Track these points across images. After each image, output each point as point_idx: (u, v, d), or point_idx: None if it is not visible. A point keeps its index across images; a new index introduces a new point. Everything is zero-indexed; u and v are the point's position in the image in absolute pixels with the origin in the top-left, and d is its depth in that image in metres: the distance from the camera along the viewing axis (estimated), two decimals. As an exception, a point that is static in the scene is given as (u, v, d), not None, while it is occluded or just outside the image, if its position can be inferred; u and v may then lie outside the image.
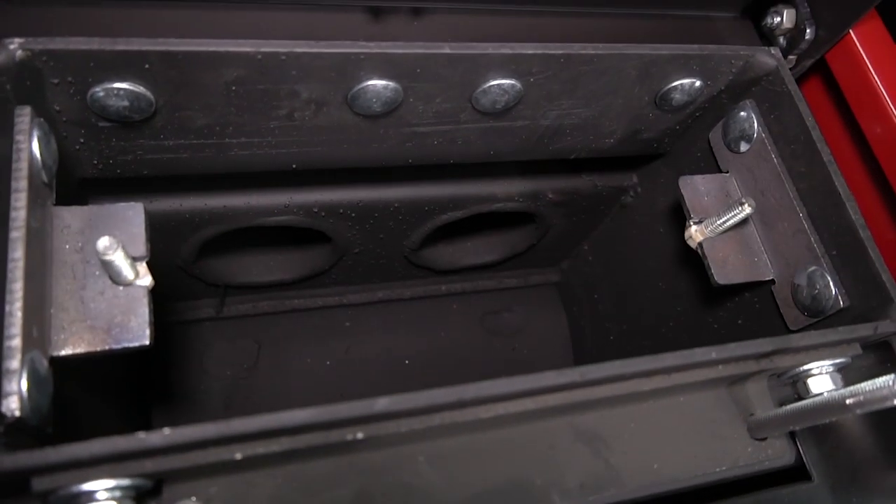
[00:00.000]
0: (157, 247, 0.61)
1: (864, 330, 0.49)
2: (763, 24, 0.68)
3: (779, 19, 0.66)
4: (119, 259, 0.44)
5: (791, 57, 0.67)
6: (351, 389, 0.93)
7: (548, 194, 0.82)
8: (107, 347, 0.44)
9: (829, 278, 0.56)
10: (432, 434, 0.42)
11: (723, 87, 0.64)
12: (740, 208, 0.58)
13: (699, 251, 0.62)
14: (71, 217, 0.47)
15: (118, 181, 0.58)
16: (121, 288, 0.46)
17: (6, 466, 0.33)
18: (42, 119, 0.46)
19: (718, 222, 0.60)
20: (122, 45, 0.45)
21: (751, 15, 0.69)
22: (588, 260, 0.98)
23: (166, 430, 0.34)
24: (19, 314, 0.39)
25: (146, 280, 0.47)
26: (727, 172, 0.66)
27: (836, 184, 0.55)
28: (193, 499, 0.39)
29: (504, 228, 0.93)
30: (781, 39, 0.66)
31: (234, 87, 0.50)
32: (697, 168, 0.72)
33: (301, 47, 0.48)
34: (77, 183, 0.57)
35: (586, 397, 0.43)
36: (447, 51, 0.51)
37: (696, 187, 0.64)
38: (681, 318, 0.79)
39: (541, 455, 0.46)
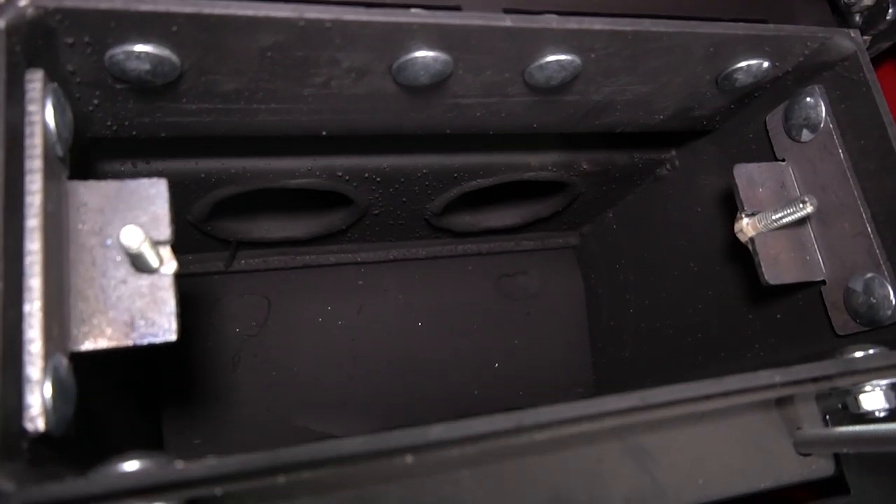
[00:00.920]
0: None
1: (931, 352, 0.47)
2: (839, -3, 0.62)
3: (858, -6, 0.61)
4: (145, 249, 0.40)
5: (865, 37, 0.61)
6: (363, 351, 0.90)
7: (582, 164, 0.77)
8: (130, 343, 0.41)
9: (889, 287, 0.53)
10: (483, 454, 0.40)
11: (789, 69, 0.59)
12: (801, 206, 0.55)
13: (749, 246, 0.59)
14: (88, 194, 0.43)
15: (131, 140, 0.53)
16: (144, 276, 0.42)
17: (33, 498, 0.30)
18: (56, 84, 0.41)
19: (774, 218, 0.57)
20: (148, 4, 0.39)
21: (825, -14, 0.64)
22: (612, 228, 0.94)
23: (211, 461, 0.31)
24: (40, 314, 0.35)
25: (171, 266, 0.43)
26: (783, 161, 0.62)
27: (910, 189, 0.52)
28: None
29: (529, 193, 0.89)
30: (858, 17, 0.61)
31: (269, 53, 0.45)
32: (747, 150, 0.68)
33: (349, 14, 0.42)
34: (87, 142, 0.52)
35: (643, 419, 0.41)
36: (508, 24, 0.46)
37: (751, 177, 0.60)
38: (711, 303, 0.77)
39: (588, 470, 0.44)
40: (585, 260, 1.02)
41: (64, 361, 0.37)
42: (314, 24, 0.43)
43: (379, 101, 0.53)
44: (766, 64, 0.57)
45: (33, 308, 0.35)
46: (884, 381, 0.48)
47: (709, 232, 0.76)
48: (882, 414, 0.49)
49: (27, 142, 0.38)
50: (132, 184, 0.44)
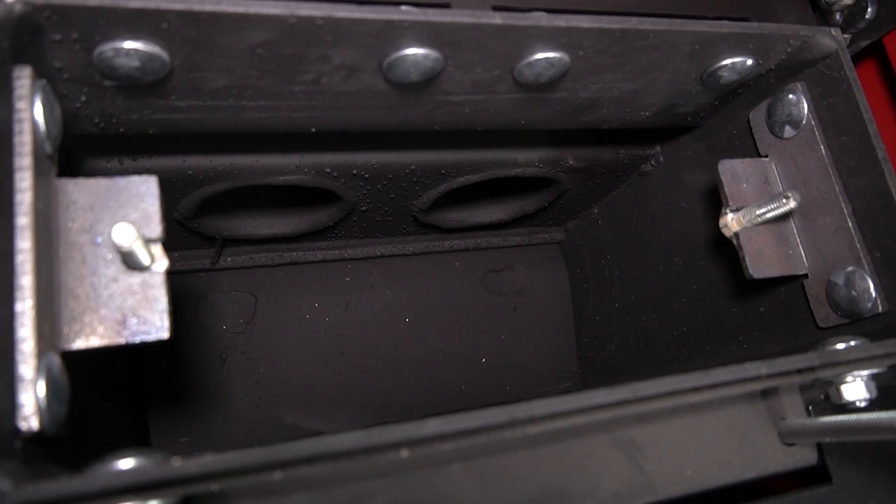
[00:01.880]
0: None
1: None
2: (819, -4, 0.63)
3: (838, -8, 0.62)
4: (137, 246, 0.40)
5: (846, 35, 0.62)
6: (350, 348, 0.90)
7: (569, 160, 0.78)
8: (123, 341, 0.41)
9: (869, 281, 0.54)
10: (474, 449, 0.40)
11: (772, 67, 0.60)
12: (784, 202, 0.56)
13: (734, 241, 0.60)
14: (77, 191, 0.42)
15: (118, 137, 0.53)
16: (135, 273, 0.42)
17: (30, 496, 0.30)
18: (45, 81, 0.40)
19: (758, 213, 0.58)
20: (138, 1, 0.39)
21: (806, -16, 0.65)
22: (597, 223, 0.95)
23: (208, 457, 0.31)
24: (32, 313, 0.35)
25: (163, 264, 0.43)
26: (766, 157, 0.63)
27: (890, 184, 0.53)
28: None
29: (516, 189, 0.89)
30: (838, 16, 0.62)
31: (259, 51, 0.45)
32: (730, 146, 0.69)
33: (341, 12, 0.43)
34: (73, 139, 0.51)
35: (633, 412, 0.42)
36: (498, 21, 0.46)
37: (735, 172, 0.61)
38: (695, 297, 0.78)
39: (578, 463, 0.45)
40: (571, 255, 1.03)
41: (56, 360, 0.37)
42: (305, 21, 0.43)
43: (369, 99, 0.53)
44: (749, 61, 0.58)
45: (25, 307, 0.35)
46: (864, 372, 0.49)
47: (693, 227, 0.77)
48: (863, 404, 0.50)
49: (16, 139, 0.37)
50: (122, 181, 0.43)
